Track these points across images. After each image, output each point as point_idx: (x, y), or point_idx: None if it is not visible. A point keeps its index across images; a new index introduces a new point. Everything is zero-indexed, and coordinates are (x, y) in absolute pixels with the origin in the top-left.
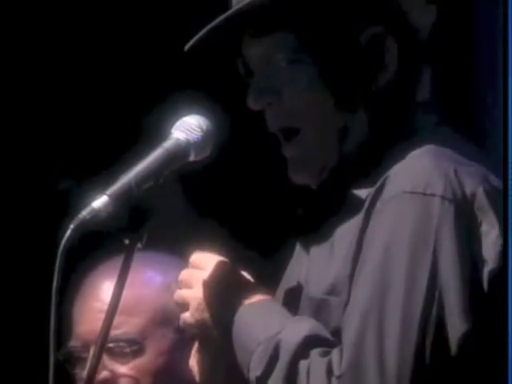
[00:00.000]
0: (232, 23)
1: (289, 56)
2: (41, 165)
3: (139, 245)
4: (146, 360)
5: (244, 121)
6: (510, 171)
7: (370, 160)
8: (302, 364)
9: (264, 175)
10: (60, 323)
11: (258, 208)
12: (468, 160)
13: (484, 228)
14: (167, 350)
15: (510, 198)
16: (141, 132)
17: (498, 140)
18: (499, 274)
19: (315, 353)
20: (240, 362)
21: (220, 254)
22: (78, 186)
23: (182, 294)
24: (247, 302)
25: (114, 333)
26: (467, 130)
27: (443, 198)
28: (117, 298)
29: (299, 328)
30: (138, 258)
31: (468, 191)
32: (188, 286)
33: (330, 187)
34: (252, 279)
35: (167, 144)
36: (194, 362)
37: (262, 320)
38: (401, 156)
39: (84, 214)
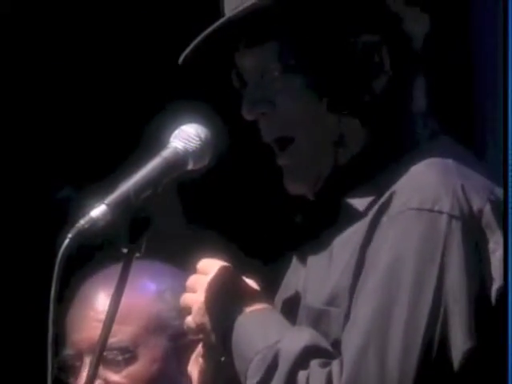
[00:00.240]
0: (224, 32)
1: (282, 65)
2: (40, 173)
3: (137, 254)
4: (138, 368)
5: (242, 130)
6: (509, 179)
7: (365, 170)
8: (301, 374)
9: (262, 184)
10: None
11: (256, 217)
12: (472, 171)
13: (491, 245)
14: (160, 357)
15: (510, 211)
16: (140, 141)
17: (497, 151)
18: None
19: (315, 363)
20: (238, 370)
21: (227, 261)
22: (76, 194)
23: (185, 297)
24: (248, 309)
25: None
26: (467, 141)
27: (450, 215)
28: (115, 307)
29: (299, 338)
30: (132, 266)
31: (475, 208)
32: (192, 290)
33: (325, 197)
34: (257, 287)
35: (165, 153)
36: (192, 368)
37: (261, 329)
38: (405, 169)
39: (82, 223)
